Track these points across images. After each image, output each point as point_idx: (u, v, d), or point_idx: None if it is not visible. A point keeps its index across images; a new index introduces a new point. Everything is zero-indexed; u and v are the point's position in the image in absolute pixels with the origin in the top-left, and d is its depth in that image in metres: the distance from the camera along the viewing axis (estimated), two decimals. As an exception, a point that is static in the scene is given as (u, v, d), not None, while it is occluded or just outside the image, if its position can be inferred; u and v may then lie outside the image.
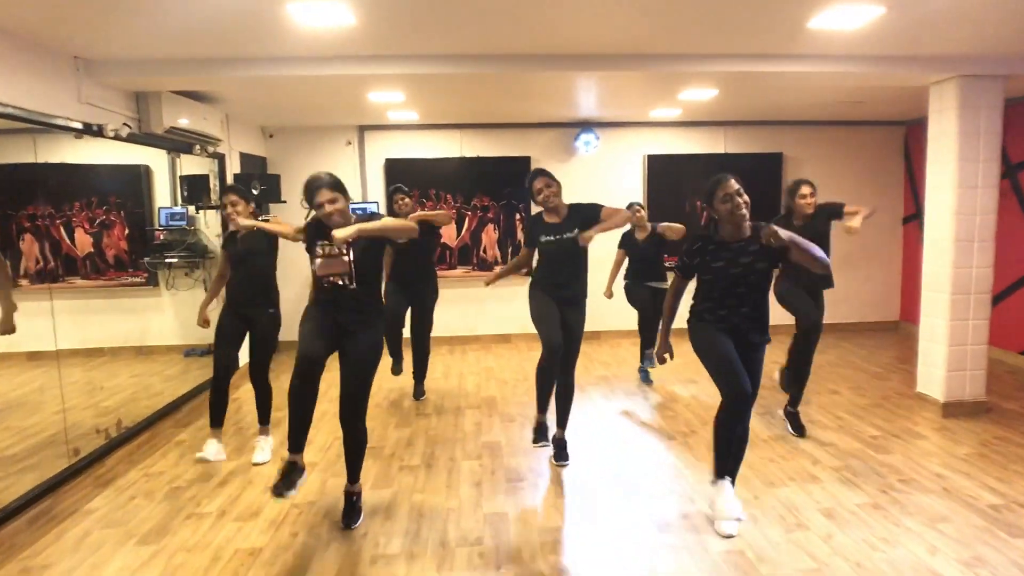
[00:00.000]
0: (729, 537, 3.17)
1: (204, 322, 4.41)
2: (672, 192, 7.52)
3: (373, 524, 3.39)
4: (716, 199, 3.10)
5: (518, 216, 7.42)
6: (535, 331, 3.95)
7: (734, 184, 3.07)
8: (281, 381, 4.67)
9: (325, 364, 3.12)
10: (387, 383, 5.79)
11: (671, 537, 3.21)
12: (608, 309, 5.85)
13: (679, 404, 5.27)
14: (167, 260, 5.97)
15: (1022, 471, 3.86)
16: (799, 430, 4.48)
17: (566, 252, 3.87)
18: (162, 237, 6.01)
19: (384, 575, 2.95)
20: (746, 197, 3.08)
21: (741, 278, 3.13)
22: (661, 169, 7.51)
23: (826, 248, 4.29)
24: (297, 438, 3.11)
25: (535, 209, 4.15)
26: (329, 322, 3.18)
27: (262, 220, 4.00)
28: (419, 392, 5.54)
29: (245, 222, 3.91)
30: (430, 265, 5.55)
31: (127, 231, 5.87)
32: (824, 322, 4.47)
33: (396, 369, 5.41)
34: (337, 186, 3.17)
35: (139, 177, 5.86)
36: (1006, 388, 5.52)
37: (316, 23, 3.51)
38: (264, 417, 4.35)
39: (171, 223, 6.04)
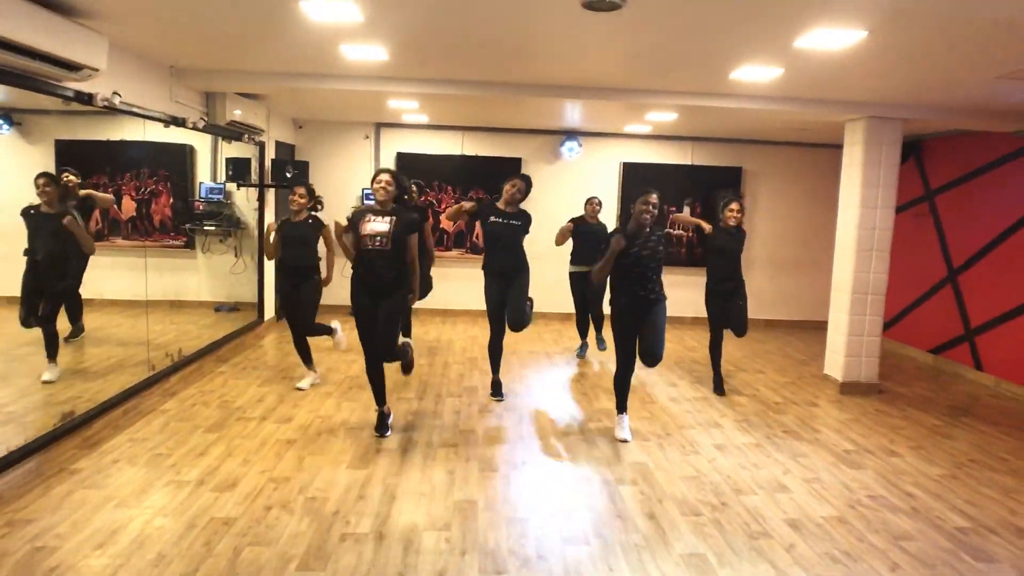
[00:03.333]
0: (624, 441, 4.52)
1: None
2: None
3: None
4: (638, 202, 4.37)
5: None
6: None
7: (654, 198, 4.36)
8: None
9: None
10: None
11: (570, 438, 4.34)
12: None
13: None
14: (205, 228, 7.07)
15: (882, 431, 4.97)
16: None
17: (508, 234, 5.06)
18: (201, 208, 7.08)
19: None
20: (655, 211, 4.38)
21: (646, 259, 4.37)
22: (635, 175, 8.60)
23: (737, 261, 5.58)
24: (380, 397, 4.57)
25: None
26: (370, 300, 4.30)
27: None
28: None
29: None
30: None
31: (172, 200, 6.88)
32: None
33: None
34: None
35: (184, 155, 6.89)
36: (907, 378, 6.64)
37: (360, 58, 4.62)
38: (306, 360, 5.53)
39: (210, 196, 7.11)
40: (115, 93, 4.35)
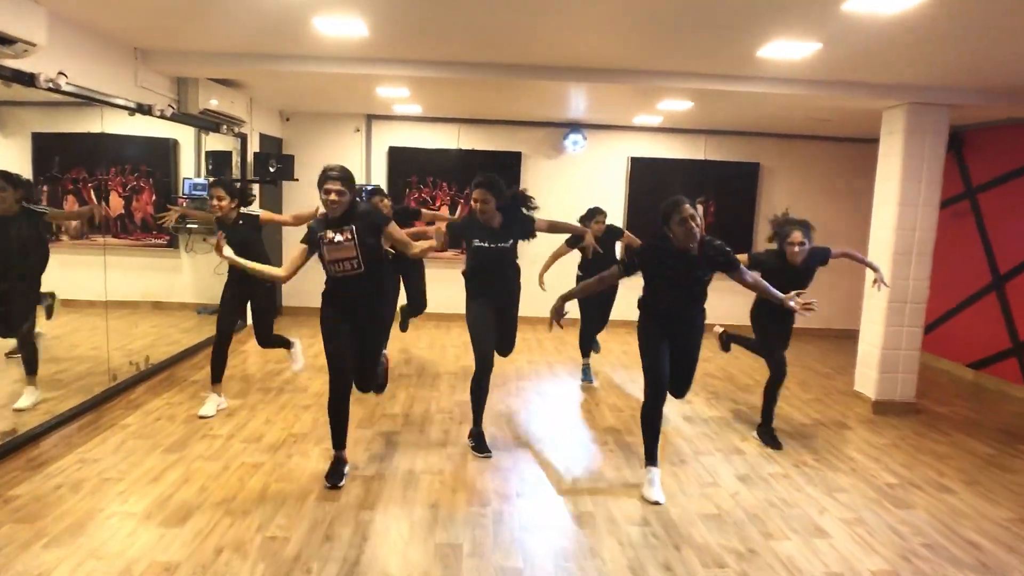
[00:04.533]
0: (657, 503, 3.55)
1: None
2: (653, 194, 8.03)
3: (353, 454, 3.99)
4: (673, 221, 3.41)
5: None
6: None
7: (689, 208, 3.39)
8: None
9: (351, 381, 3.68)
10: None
11: (571, 465, 3.78)
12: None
13: (628, 385, 5.82)
14: (188, 226, 6.54)
15: (927, 461, 4.38)
16: (775, 444, 4.49)
17: (498, 260, 4.04)
18: (185, 205, 6.50)
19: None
20: (699, 220, 3.42)
21: (692, 283, 3.58)
22: (643, 171, 8.04)
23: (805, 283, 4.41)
24: (340, 439, 3.71)
25: None
26: (345, 322, 3.57)
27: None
28: (404, 326, 6.06)
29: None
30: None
31: (154, 197, 6.43)
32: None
33: (403, 326, 6.05)
34: (346, 179, 3.41)
35: (168, 150, 6.41)
36: (945, 395, 6.03)
37: (335, 32, 4.09)
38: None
39: (194, 193, 6.59)
40: (60, 73, 3.83)
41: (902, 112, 5.14)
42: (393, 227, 3.61)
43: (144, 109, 4.80)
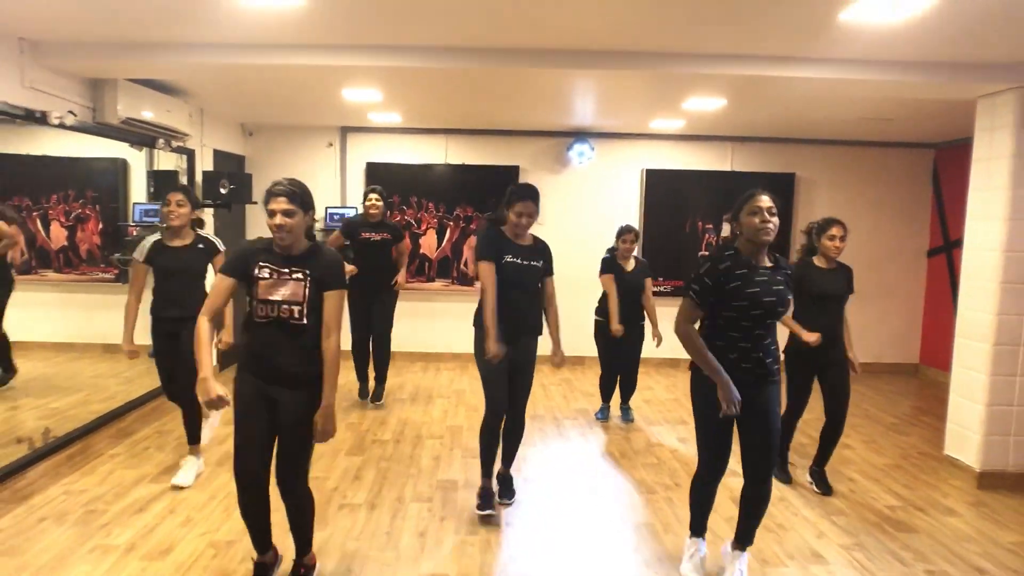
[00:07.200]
0: None
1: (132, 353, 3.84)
2: (672, 211, 6.98)
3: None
4: (744, 211, 2.75)
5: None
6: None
7: (767, 200, 2.72)
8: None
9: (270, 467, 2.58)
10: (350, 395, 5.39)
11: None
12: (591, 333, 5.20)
13: (664, 450, 4.63)
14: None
15: (1082, 569, 3.20)
16: (825, 488, 4.01)
17: (530, 279, 3.50)
18: (135, 233, 5.73)
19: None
20: (776, 220, 2.71)
21: (772, 309, 2.72)
22: (661, 185, 6.97)
23: (840, 310, 3.92)
24: (261, 540, 2.71)
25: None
26: (261, 392, 2.58)
27: None
28: (378, 394, 5.39)
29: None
30: (387, 273, 5.30)
31: (100, 226, 5.71)
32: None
33: (363, 392, 5.43)
34: (295, 197, 2.53)
35: (115, 172, 5.63)
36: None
37: (263, 4, 3.05)
38: (192, 436, 3.91)
39: (145, 219, 5.75)
40: None
41: (1011, 99, 4.01)
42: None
43: (35, 116, 3.83)
